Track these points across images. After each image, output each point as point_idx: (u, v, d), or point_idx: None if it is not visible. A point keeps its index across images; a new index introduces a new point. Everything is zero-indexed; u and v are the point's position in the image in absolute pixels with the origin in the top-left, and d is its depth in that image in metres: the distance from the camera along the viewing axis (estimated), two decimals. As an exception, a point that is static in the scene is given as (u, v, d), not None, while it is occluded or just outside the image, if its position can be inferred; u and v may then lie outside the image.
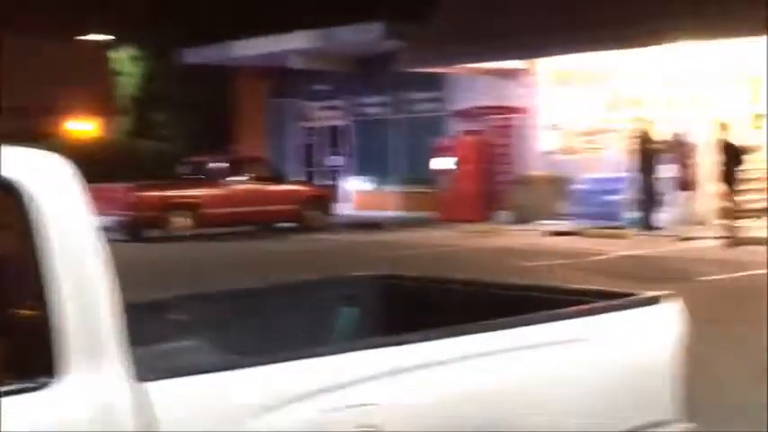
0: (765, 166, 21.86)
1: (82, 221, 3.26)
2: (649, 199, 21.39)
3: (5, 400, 3.06)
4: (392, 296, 5.49)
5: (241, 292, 5.58)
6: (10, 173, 3.19)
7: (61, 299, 3.14)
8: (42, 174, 3.24)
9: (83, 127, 35.01)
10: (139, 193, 23.34)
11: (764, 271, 15.65)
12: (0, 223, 3.34)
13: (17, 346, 3.24)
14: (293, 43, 27.80)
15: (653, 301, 4.79)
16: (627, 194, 22.04)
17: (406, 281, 5.70)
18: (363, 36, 26.60)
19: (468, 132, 26.16)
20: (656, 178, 21.43)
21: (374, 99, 30.12)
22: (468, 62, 25.10)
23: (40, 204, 3.17)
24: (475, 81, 26.04)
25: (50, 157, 3.31)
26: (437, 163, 25.85)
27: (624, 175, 22.24)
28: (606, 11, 20.94)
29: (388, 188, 28.90)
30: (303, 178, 30.00)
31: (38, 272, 3.14)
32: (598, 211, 22.22)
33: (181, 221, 23.53)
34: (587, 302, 4.73)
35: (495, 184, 25.15)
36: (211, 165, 25.42)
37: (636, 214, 21.59)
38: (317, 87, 31.14)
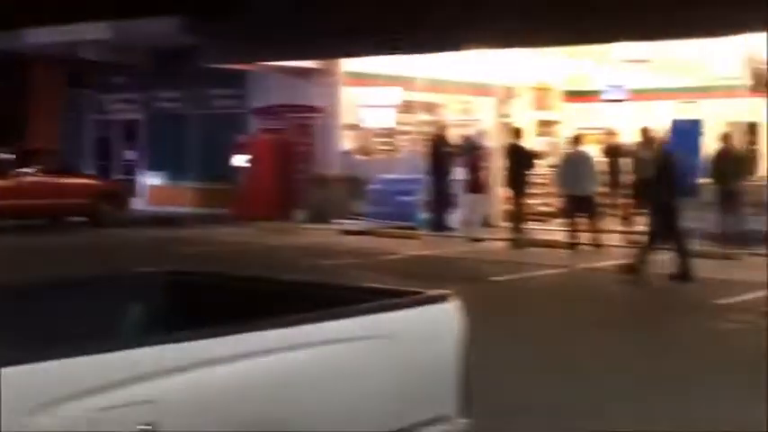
0: (549, 171, 22.64)
1: None
2: (442, 200, 21.81)
3: None
4: (177, 292, 5.42)
5: (23, 287, 5.40)
6: None
7: None
8: None
9: None
10: None
11: (549, 272, 16.22)
12: None
13: None
14: (86, 33, 27.08)
15: (437, 299, 4.88)
16: (421, 196, 22.42)
17: (192, 276, 5.64)
18: (160, 29, 26.15)
19: (266, 130, 26.09)
20: (449, 180, 21.87)
21: (172, 94, 29.67)
22: (268, 60, 25.02)
23: None
24: (276, 79, 25.98)
25: None
26: (235, 160, 25.68)
27: (419, 176, 22.63)
28: (402, 15, 21.22)
29: (184, 184, 28.54)
30: (97, 172, 29.28)
31: None
32: (393, 211, 22.52)
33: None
34: (374, 300, 4.78)
35: (293, 182, 25.15)
36: (-1, 156, 24.49)
37: (429, 215, 21.99)
38: (114, 80, 30.48)
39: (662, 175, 15.06)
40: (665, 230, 14.96)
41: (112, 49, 27.84)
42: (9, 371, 3.31)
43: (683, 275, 14.69)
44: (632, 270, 14.90)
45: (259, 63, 25.51)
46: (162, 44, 27.23)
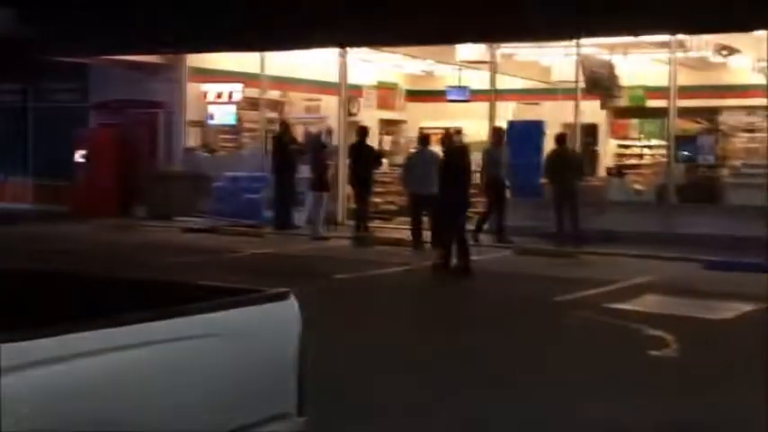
0: (393, 170, 22.83)
1: None
2: (286, 198, 21.73)
3: None
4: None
5: None
6: None
7: None
8: None
9: None
10: None
11: (391, 270, 16.32)
12: None
13: None
14: None
15: (275, 297, 4.86)
16: (265, 193, 22.31)
17: (18, 274, 5.47)
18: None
19: (105, 125, 25.55)
20: (294, 178, 21.81)
21: (9, 86, 28.79)
22: (109, 53, 24.51)
23: None
24: (119, 74, 25.41)
25: None
26: (76, 156, 25.10)
27: (264, 174, 22.52)
28: (252, 12, 21.10)
29: (21, 179, 27.74)
30: None
31: None
32: (237, 209, 22.34)
33: None
34: (211, 298, 4.72)
35: (134, 179, 24.69)
36: None
37: (273, 213, 21.89)
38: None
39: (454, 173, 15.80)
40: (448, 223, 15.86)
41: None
42: None
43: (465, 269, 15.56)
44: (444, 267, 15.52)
45: (100, 57, 24.97)
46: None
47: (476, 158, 18.75)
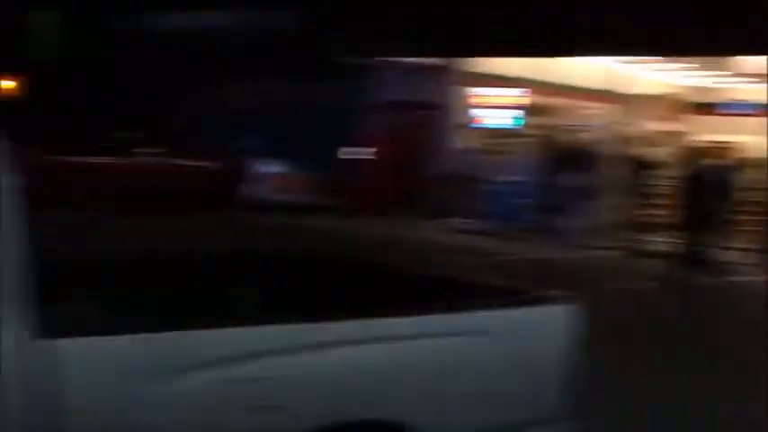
0: (670, 182, 22.31)
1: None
2: (553, 205, 21.64)
3: None
4: (295, 275, 5.52)
5: (140, 259, 5.57)
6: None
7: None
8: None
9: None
10: (42, 158, 22.68)
11: (652, 284, 16.01)
12: None
13: None
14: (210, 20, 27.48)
15: (552, 300, 4.87)
16: (536, 199, 22.29)
17: (312, 263, 5.73)
18: (287, 16, 26.42)
19: (383, 125, 26.14)
20: (565, 185, 21.70)
21: (293, 83, 29.85)
22: (391, 55, 25.06)
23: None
24: (397, 75, 25.98)
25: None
26: (352, 153, 25.82)
27: (532, 179, 22.50)
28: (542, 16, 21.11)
29: (302, 173, 28.71)
30: (214, 156, 29.55)
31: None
32: (507, 212, 22.41)
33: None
34: (489, 296, 4.81)
35: (410, 179, 25.16)
36: (118, 135, 25.09)
37: (540, 219, 21.84)
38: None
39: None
40: None
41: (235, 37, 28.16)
42: (143, 336, 3.46)
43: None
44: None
45: (381, 58, 25.57)
46: (290, 33, 27.47)
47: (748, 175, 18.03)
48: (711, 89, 26.51)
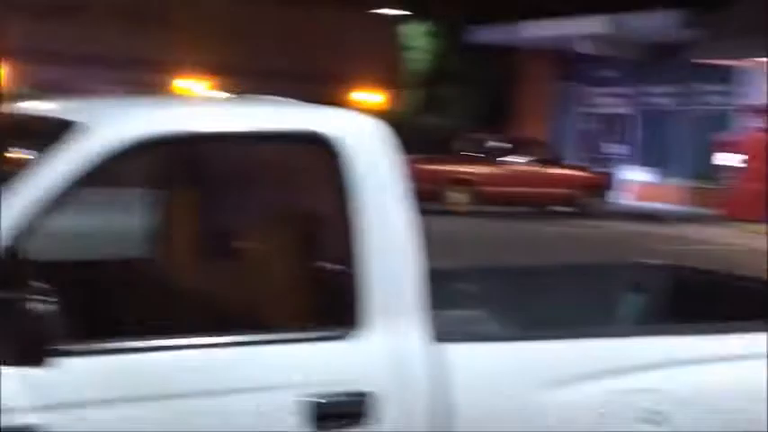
0: None
1: (394, 182, 3.34)
2: None
3: (308, 345, 3.21)
4: (677, 286, 5.36)
5: (525, 269, 5.61)
6: (326, 129, 3.33)
7: (368, 255, 3.23)
8: (359, 132, 3.34)
9: (371, 98, 35.75)
10: (419, 166, 23.59)
11: None
12: (313, 177, 3.50)
13: (322, 298, 3.38)
14: (584, 27, 27.51)
15: None
16: None
17: (692, 273, 5.55)
18: (657, 23, 26.02)
19: (759, 129, 25.10)
20: None
21: (660, 89, 29.39)
22: (760, 56, 24.04)
23: (354, 161, 3.27)
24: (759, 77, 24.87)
25: (367, 117, 3.43)
26: (721, 158, 24.98)
27: None
28: None
29: (669, 181, 28.17)
30: (578, 164, 29.63)
31: (346, 227, 3.24)
32: None
33: (457, 197, 23.72)
34: None
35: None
36: (490, 143, 25.55)
37: None
38: (602, 73, 30.65)
39: None
40: None
41: (609, 44, 28.02)
42: (532, 345, 3.46)
43: None
44: None
45: (751, 59, 24.60)
46: (659, 39, 27.06)
47: None
48: None
